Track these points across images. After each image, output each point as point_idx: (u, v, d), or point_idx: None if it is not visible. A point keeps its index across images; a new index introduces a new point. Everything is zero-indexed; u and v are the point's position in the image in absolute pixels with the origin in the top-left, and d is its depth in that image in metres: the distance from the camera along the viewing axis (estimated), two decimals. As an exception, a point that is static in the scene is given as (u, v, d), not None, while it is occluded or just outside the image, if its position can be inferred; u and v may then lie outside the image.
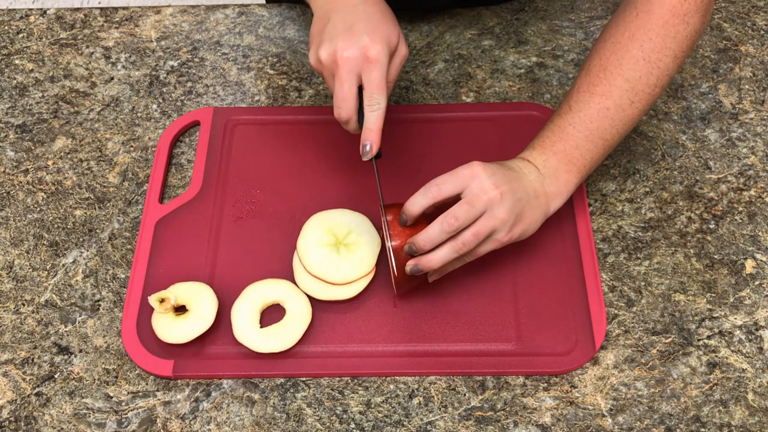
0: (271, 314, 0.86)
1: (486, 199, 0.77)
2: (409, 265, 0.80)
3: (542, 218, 0.84)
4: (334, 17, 0.80)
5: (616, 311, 0.86)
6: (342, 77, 0.79)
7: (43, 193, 0.98)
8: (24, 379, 0.85)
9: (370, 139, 0.80)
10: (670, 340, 0.85)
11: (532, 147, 0.86)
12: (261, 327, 0.84)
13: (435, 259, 0.79)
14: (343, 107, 0.80)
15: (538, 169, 0.83)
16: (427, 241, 0.78)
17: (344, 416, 0.81)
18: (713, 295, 0.87)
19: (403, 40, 0.82)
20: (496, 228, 0.79)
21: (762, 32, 1.09)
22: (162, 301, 0.84)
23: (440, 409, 0.81)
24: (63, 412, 0.82)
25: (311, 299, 0.86)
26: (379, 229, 0.90)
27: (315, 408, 0.82)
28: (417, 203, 0.78)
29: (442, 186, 0.78)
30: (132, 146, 1.01)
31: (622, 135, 0.86)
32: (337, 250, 0.87)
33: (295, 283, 0.87)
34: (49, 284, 0.91)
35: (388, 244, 0.80)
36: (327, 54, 0.79)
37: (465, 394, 0.82)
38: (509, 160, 0.85)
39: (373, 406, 0.82)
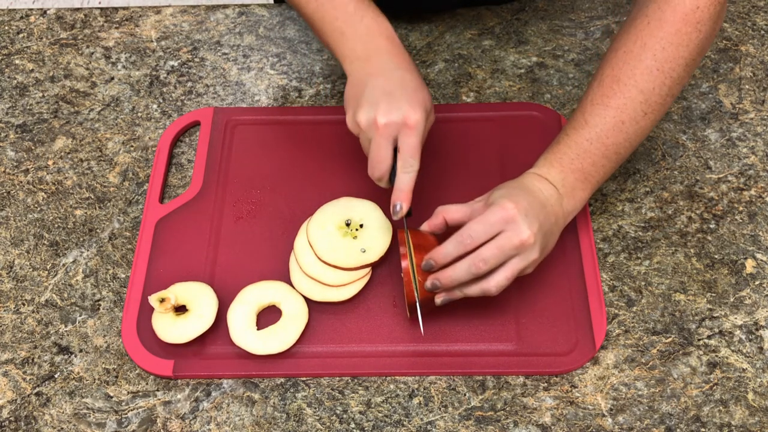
0: (269, 315, 0.86)
1: (519, 244, 0.77)
2: (439, 297, 0.80)
3: (558, 235, 0.84)
4: (372, 82, 0.82)
5: (616, 311, 0.86)
6: (380, 142, 0.81)
7: (43, 193, 0.98)
8: (24, 379, 0.85)
9: (402, 200, 0.81)
10: (670, 339, 0.85)
11: (549, 164, 0.84)
12: (258, 329, 0.84)
13: (456, 295, 0.79)
14: (378, 168, 0.82)
15: (556, 189, 0.82)
16: (453, 280, 0.78)
17: (344, 416, 0.81)
18: (713, 294, 0.87)
19: (433, 108, 0.84)
20: (526, 267, 0.79)
21: (762, 32, 1.09)
22: (162, 301, 0.84)
23: (440, 408, 0.81)
24: (63, 412, 0.82)
25: (310, 300, 0.87)
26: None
27: (315, 408, 0.82)
28: (449, 254, 0.78)
29: (474, 236, 0.77)
30: (132, 146, 1.01)
31: (635, 147, 0.85)
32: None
33: (291, 284, 0.87)
34: (50, 284, 0.91)
35: (417, 298, 0.80)
36: (366, 119, 0.81)
37: (465, 394, 0.82)
38: (527, 176, 0.83)
39: (373, 405, 0.82)
